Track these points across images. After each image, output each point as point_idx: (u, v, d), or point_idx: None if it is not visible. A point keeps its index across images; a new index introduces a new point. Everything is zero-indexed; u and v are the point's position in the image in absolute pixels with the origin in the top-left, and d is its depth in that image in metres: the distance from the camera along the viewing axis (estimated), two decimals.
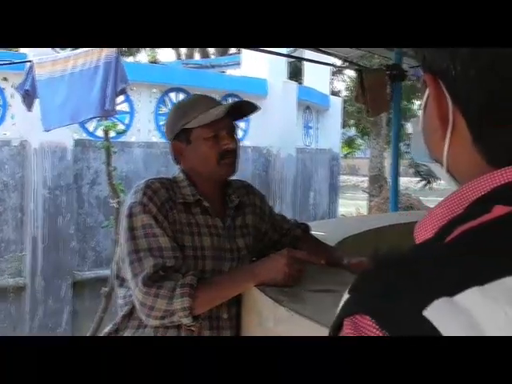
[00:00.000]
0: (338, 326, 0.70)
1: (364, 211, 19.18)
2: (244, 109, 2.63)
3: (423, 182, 20.23)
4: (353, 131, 23.57)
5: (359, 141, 25.02)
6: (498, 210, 0.72)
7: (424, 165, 20.10)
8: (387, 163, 23.29)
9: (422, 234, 0.82)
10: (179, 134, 2.55)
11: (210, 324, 2.47)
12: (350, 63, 8.96)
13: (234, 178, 2.68)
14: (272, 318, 2.25)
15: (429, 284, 0.66)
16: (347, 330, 0.68)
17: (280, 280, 2.36)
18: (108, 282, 7.02)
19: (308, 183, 13.50)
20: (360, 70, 7.81)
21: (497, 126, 0.77)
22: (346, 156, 25.96)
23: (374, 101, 7.44)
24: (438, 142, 0.84)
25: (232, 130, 2.55)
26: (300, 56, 11.00)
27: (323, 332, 1.87)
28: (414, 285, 0.66)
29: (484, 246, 0.69)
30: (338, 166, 15.62)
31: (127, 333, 2.49)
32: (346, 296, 0.72)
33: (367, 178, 21.24)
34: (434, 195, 24.41)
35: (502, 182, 0.75)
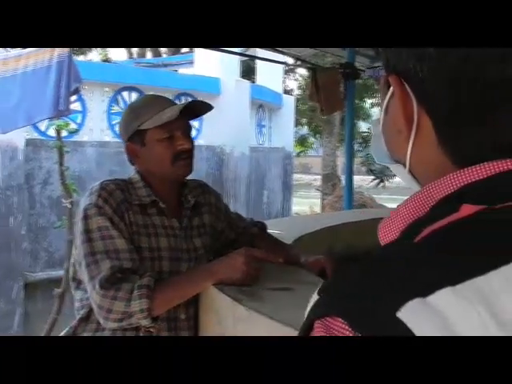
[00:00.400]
0: (308, 327, 0.69)
1: (317, 209, 19.26)
2: (198, 108, 2.61)
3: (376, 181, 20.41)
4: (305, 130, 23.68)
5: (312, 139, 25.15)
6: (466, 210, 0.72)
7: (378, 164, 20.26)
8: (340, 162, 23.45)
9: (387, 235, 0.82)
10: (133, 136, 2.53)
11: (168, 325, 2.46)
12: (303, 62, 8.99)
13: (188, 177, 2.67)
14: (231, 317, 2.25)
15: (401, 285, 0.65)
16: (319, 332, 0.67)
17: (238, 278, 2.36)
18: (61, 283, 6.95)
19: (261, 182, 13.53)
20: (314, 69, 7.85)
21: (463, 127, 0.77)
22: (298, 154, 26.08)
23: (328, 99, 7.48)
24: (402, 143, 0.84)
25: (187, 130, 2.53)
26: (253, 54, 11.00)
27: (283, 330, 1.87)
28: (386, 286, 0.66)
29: (454, 246, 0.69)
30: (291, 165, 15.69)
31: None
32: (315, 297, 0.71)
33: (320, 177, 21.34)
34: (386, 193, 24.66)
35: (469, 181, 0.75)
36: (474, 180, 0.75)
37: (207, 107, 2.60)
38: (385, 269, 0.69)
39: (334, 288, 0.71)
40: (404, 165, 0.86)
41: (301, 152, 26.40)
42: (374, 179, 20.41)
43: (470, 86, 0.75)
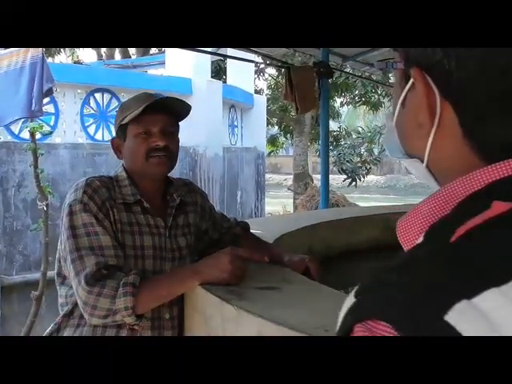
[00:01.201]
0: (347, 331, 0.67)
1: (290, 209, 19.22)
2: (177, 106, 2.60)
3: (349, 180, 20.41)
4: (275, 130, 23.64)
5: (282, 139, 25.11)
6: (499, 207, 0.70)
7: (349, 163, 20.42)
8: (310, 161, 23.44)
9: (408, 234, 0.81)
10: (118, 130, 2.57)
11: (151, 324, 2.47)
12: (277, 61, 8.98)
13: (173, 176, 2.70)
14: (219, 317, 2.25)
15: (445, 287, 0.63)
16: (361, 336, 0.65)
17: (224, 278, 2.36)
18: (38, 286, 6.91)
19: (235, 182, 13.50)
20: (288, 68, 7.81)
21: (491, 121, 0.76)
22: (269, 154, 26.03)
23: (303, 98, 7.43)
24: (422, 137, 0.82)
25: (166, 128, 2.54)
26: (224, 54, 10.98)
27: (273, 329, 1.88)
28: (429, 288, 0.64)
29: (493, 245, 0.67)
30: (264, 165, 15.67)
31: (67, 332, 2.48)
32: (351, 299, 0.69)
33: (290, 176, 21.29)
34: (356, 192, 24.75)
35: (497, 178, 0.73)
36: (502, 176, 0.73)
37: (184, 105, 2.61)
38: (425, 270, 0.67)
39: (374, 290, 0.69)
40: (421, 160, 0.85)
41: (271, 152, 26.32)
42: (346, 178, 20.41)
43: (498, 79, 0.74)
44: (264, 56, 9.40)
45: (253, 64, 15.12)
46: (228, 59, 14.40)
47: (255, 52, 8.58)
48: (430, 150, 0.82)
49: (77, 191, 2.42)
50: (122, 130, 2.54)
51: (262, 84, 22.82)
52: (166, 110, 2.54)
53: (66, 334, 2.48)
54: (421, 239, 0.77)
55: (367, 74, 12.19)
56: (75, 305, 2.41)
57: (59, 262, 2.50)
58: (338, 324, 0.70)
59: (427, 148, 0.82)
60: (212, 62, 13.95)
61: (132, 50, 22.92)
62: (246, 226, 3.06)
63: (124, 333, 2.41)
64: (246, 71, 14.73)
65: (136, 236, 2.48)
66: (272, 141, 24.39)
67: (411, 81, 0.83)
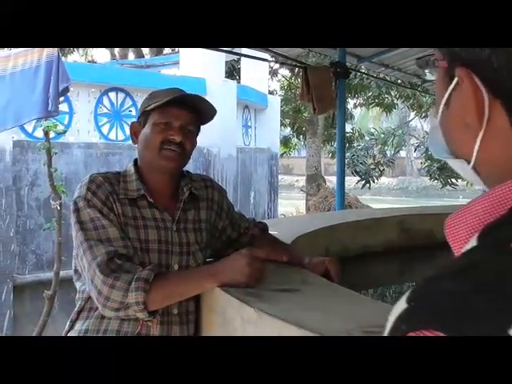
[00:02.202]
0: None
1: (302, 210, 19.25)
2: (203, 107, 2.60)
3: (362, 182, 20.42)
4: (288, 130, 23.67)
5: (295, 140, 25.14)
6: None
7: (362, 165, 20.41)
8: (323, 162, 23.45)
9: (458, 232, 0.77)
10: (141, 116, 2.59)
11: (160, 319, 2.46)
12: (293, 60, 8.98)
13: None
14: (239, 319, 2.22)
15: (507, 297, 0.59)
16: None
17: (242, 281, 2.34)
18: (50, 285, 6.91)
19: (248, 183, 13.52)
20: (305, 68, 7.81)
21: None
22: (281, 155, 26.10)
23: (320, 98, 7.43)
24: (469, 138, 0.79)
25: (187, 125, 2.55)
26: (239, 53, 10.99)
27: (294, 331, 1.86)
28: (490, 298, 0.60)
29: None
30: (277, 166, 15.68)
31: (77, 325, 2.51)
32: (403, 305, 0.66)
33: (302, 178, 21.32)
34: (368, 193, 24.78)
35: None
36: None
37: (211, 109, 2.63)
38: (484, 279, 0.63)
39: (429, 298, 0.65)
40: (468, 160, 0.81)
41: (284, 153, 26.36)
42: (360, 180, 20.41)
43: None
44: (279, 56, 9.36)
45: (267, 64, 15.16)
46: (242, 59, 14.42)
47: (271, 51, 8.58)
48: (478, 151, 0.79)
49: (81, 188, 2.47)
50: (144, 116, 2.56)
51: (275, 85, 22.83)
52: (192, 109, 2.55)
53: (76, 328, 2.51)
54: (474, 242, 0.72)
55: (382, 75, 12.17)
56: (87, 300, 2.48)
57: (75, 258, 2.52)
58: (388, 330, 0.66)
59: (475, 149, 0.79)
60: (226, 62, 13.99)
61: (145, 50, 23.04)
62: (265, 226, 3.05)
63: (129, 325, 2.44)
64: (260, 71, 14.76)
65: (140, 230, 2.50)
66: (285, 142, 24.42)
67: (456, 80, 0.80)
